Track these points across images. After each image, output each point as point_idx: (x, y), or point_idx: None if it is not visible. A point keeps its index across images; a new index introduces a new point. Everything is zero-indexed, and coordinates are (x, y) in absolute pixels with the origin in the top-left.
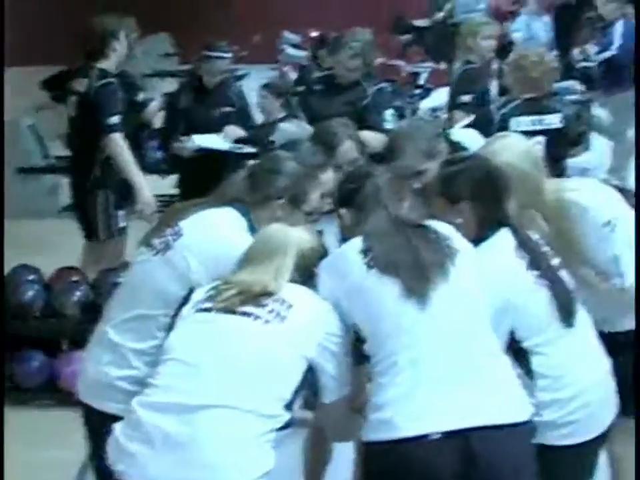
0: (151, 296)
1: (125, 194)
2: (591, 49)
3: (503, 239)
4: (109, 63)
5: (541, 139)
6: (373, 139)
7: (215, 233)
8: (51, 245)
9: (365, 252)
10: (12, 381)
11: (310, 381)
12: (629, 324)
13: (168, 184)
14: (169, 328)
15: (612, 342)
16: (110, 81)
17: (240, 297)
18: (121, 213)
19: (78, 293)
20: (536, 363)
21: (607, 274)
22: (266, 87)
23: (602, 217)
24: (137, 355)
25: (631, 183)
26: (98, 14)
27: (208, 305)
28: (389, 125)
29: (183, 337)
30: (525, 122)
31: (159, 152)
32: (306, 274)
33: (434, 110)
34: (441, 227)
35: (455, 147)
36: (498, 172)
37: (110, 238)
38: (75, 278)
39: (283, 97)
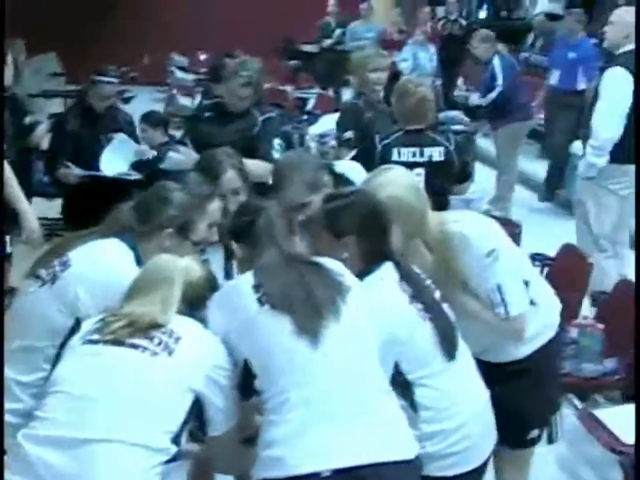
0: (38, 327)
1: (11, 219)
2: (474, 95)
3: (387, 272)
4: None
5: (421, 170)
6: (261, 168)
7: (103, 265)
8: None
9: (257, 287)
10: None
11: (197, 414)
12: (509, 354)
13: (54, 206)
14: (56, 359)
15: (491, 372)
16: None
17: (128, 328)
18: (7, 238)
19: None
20: (419, 394)
21: (490, 304)
22: (143, 119)
23: (484, 247)
24: (22, 388)
25: (511, 214)
26: None
27: (96, 336)
28: (276, 154)
29: (70, 369)
30: (405, 153)
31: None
32: (194, 304)
33: (321, 136)
34: (332, 263)
35: (339, 179)
36: (382, 206)
37: None
38: None
39: (161, 126)
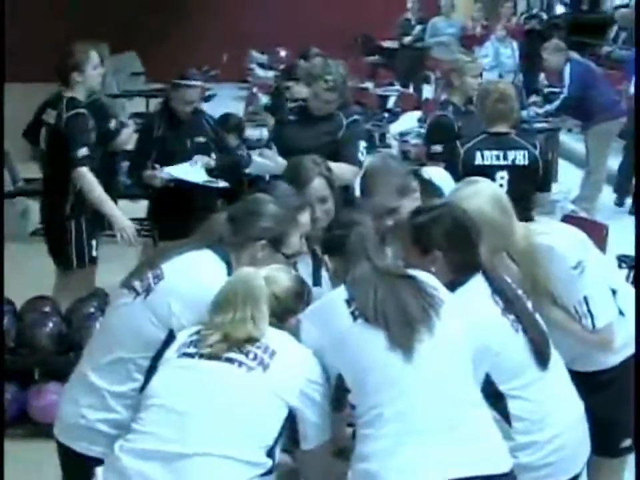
0: (131, 339)
1: (98, 223)
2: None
3: (478, 284)
4: (76, 93)
5: (504, 174)
6: (347, 171)
7: (196, 278)
8: (20, 268)
9: (350, 302)
10: None
11: (290, 427)
12: (599, 364)
13: (139, 208)
14: (148, 370)
15: (582, 381)
16: (79, 112)
17: (224, 343)
18: (94, 242)
19: (50, 324)
20: (513, 406)
21: (577, 315)
22: (218, 123)
23: (571, 259)
24: (116, 398)
25: (596, 216)
26: (69, 34)
27: (192, 350)
28: (362, 157)
29: (166, 383)
30: (488, 156)
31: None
32: (282, 316)
33: (402, 134)
34: (425, 276)
35: (426, 185)
36: (468, 219)
37: (82, 267)
38: (46, 308)
39: (235, 130)
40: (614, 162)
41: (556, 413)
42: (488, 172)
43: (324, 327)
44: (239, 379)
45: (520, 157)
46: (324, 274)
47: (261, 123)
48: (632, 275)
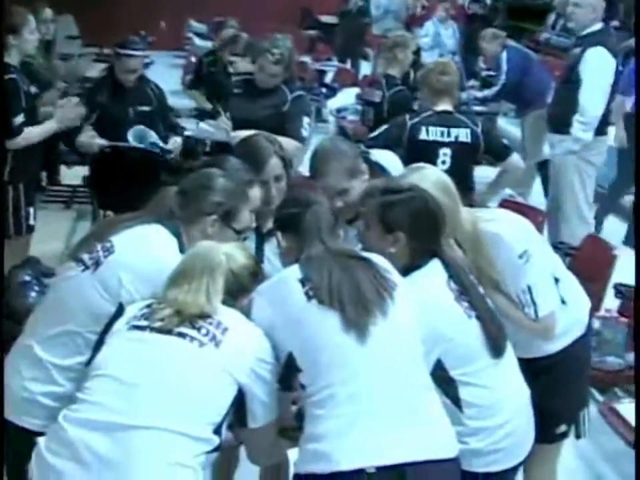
0: (79, 312)
1: (36, 188)
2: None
3: (434, 269)
4: (9, 57)
5: (447, 151)
6: (291, 146)
7: (147, 252)
8: None
9: (304, 281)
10: None
11: (237, 405)
12: (539, 350)
13: (76, 174)
14: (97, 344)
15: (521, 367)
16: (9, 77)
17: (176, 317)
18: (31, 209)
19: None
20: (464, 392)
21: (520, 303)
22: None
23: (517, 248)
24: (61, 372)
25: (531, 200)
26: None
27: (143, 322)
28: (305, 133)
29: (116, 354)
30: (433, 131)
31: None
32: (235, 294)
33: (339, 110)
34: (379, 259)
35: (374, 167)
36: (437, 206)
37: (19, 235)
38: None
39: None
40: None
41: (506, 398)
42: (431, 147)
43: (277, 305)
44: (190, 354)
45: (463, 135)
46: (267, 252)
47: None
48: (567, 260)
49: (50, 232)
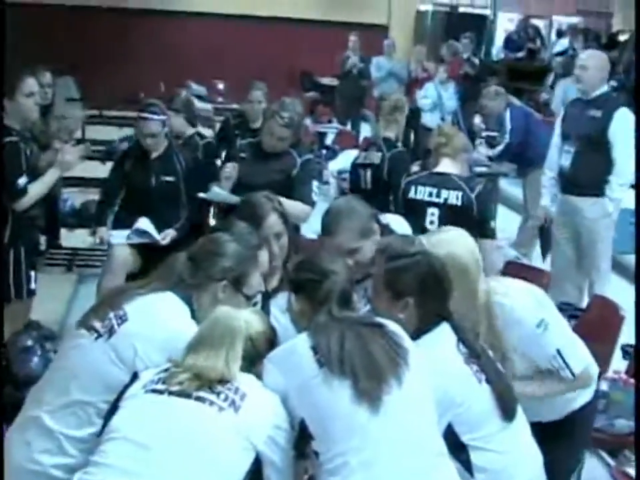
0: (91, 381)
1: (37, 253)
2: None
3: (444, 333)
4: (10, 120)
5: (435, 211)
6: (300, 210)
7: (161, 321)
8: None
9: (316, 349)
10: None
11: (253, 471)
12: (545, 416)
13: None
14: (108, 413)
15: (539, 432)
16: (9, 140)
17: (195, 381)
18: (32, 273)
19: None
20: (475, 456)
21: (555, 370)
22: None
23: (533, 318)
24: (73, 443)
25: (534, 260)
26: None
27: (161, 386)
28: (315, 197)
29: (133, 417)
30: (422, 191)
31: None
32: (253, 360)
33: (340, 172)
34: (392, 325)
35: (384, 229)
36: (443, 268)
37: (20, 298)
38: None
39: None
40: None
41: (519, 463)
42: (419, 206)
43: (288, 373)
44: (209, 418)
45: (453, 197)
46: (273, 310)
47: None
48: (572, 322)
49: (51, 295)
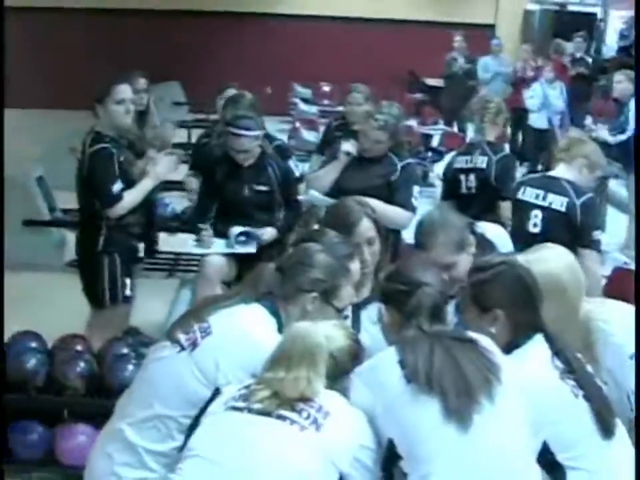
0: (173, 395)
1: (134, 259)
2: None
3: (537, 346)
4: (102, 127)
5: (538, 213)
6: (401, 216)
7: (245, 335)
8: (53, 301)
9: (404, 364)
10: (10, 453)
11: None
12: None
13: (177, 242)
14: (190, 428)
15: None
16: (99, 147)
17: (276, 399)
18: (128, 280)
19: (82, 364)
20: (573, 477)
21: (629, 404)
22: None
23: (628, 348)
24: (154, 457)
25: None
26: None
27: (241, 404)
28: (416, 202)
29: (212, 435)
30: (529, 192)
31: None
32: (337, 376)
33: None
34: (483, 340)
35: (479, 239)
36: (530, 277)
37: (115, 305)
38: (79, 347)
39: None
40: None
41: None
42: (525, 208)
43: (375, 389)
44: (290, 437)
45: (557, 203)
46: (365, 321)
47: (302, 158)
48: None
49: (153, 300)
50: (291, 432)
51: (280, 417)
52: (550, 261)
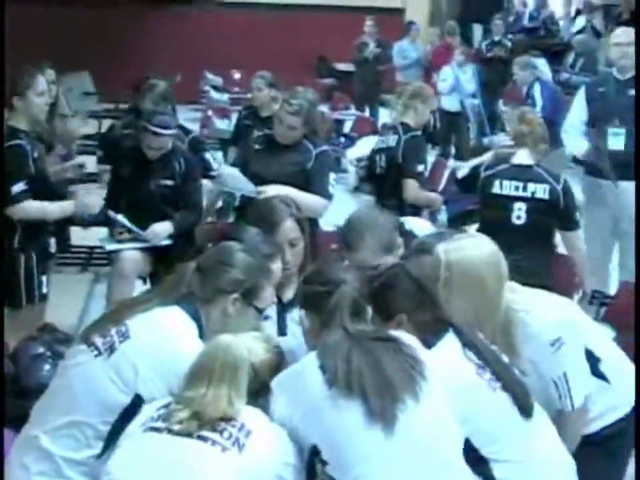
0: (90, 401)
1: (49, 256)
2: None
3: (449, 342)
4: (17, 121)
5: (522, 205)
6: (318, 204)
7: (164, 339)
8: None
9: (324, 368)
10: None
11: None
12: None
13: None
14: (108, 437)
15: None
16: (16, 143)
17: (196, 420)
18: (44, 278)
19: None
20: (497, 470)
21: (557, 392)
22: None
23: (548, 336)
24: (71, 465)
25: None
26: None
27: (160, 424)
28: (332, 190)
29: (130, 459)
30: (508, 186)
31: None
32: (259, 391)
33: (359, 160)
34: (406, 337)
35: (407, 236)
36: (422, 275)
37: (31, 304)
38: None
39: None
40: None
41: (544, 471)
42: (505, 202)
43: (296, 397)
44: (212, 459)
45: (540, 191)
46: (290, 324)
47: (214, 146)
48: (602, 311)
49: (67, 296)
50: (213, 453)
51: (201, 438)
52: (469, 249)
